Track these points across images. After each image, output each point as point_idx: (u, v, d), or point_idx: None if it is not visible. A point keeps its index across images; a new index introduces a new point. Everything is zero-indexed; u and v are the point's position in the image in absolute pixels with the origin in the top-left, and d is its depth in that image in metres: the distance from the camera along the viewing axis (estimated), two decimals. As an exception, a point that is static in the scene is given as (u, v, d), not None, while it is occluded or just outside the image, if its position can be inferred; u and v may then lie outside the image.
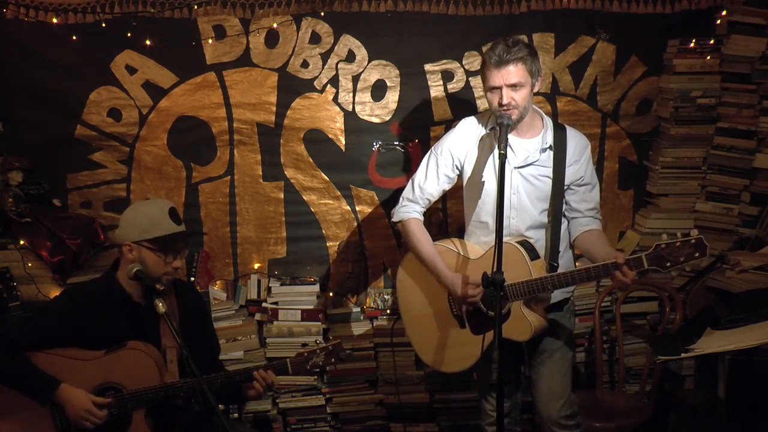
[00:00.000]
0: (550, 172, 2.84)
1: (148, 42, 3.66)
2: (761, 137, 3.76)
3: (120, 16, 3.62)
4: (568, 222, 2.93)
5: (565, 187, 2.86)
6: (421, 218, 3.01)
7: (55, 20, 3.62)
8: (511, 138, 2.84)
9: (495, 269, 2.48)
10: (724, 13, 3.71)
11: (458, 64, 3.80)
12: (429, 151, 3.05)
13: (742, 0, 3.70)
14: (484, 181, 2.89)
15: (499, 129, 2.69)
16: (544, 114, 2.93)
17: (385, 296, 3.91)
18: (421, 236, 2.96)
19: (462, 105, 3.83)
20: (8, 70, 3.67)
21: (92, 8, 3.62)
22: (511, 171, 2.84)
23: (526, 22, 3.74)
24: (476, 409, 3.79)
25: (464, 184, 2.99)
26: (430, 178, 2.98)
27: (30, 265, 3.65)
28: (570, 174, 2.85)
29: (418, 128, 3.86)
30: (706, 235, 3.77)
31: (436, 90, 3.82)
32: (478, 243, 2.96)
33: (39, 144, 3.74)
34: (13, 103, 3.71)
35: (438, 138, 3.83)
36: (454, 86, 3.83)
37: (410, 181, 3.04)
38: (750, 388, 3.17)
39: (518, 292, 2.73)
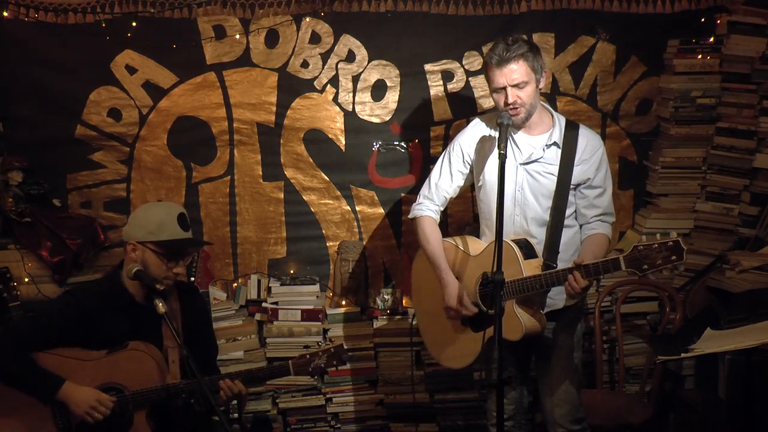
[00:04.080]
0: (555, 169, 2.83)
1: (148, 42, 3.66)
2: (761, 137, 3.76)
3: (120, 16, 3.62)
4: (580, 227, 2.93)
5: (573, 187, 2.84)
6: (435, 216, 3.04)
7: (55, 20, 3.62)
8: (518, 134, 2.86)
9: (494, 269, 2.48)
10: (724, 13, 3.71)
11: (458, 64, 3.80)
12: (444, 150, 3.07)
13: (742, 0, 3.70)
14: (489, 180, 2.90)
15: (499, 129, 2.69)
16: (554, 111, 2.92)
17: (385, 296, 3.91)
18: (429, 234, 2.99)
19: (462, 105, 3.83)
20: (8, 70, 3.67)
21: (92, 8, 3.62)
22: (517, 167, 2.85)
23: (526, 22, 3.74)
24: (476, 409, 3.81)
25: (475, 183, 3.00)
26: (444, 176, 3.01)
27: (30, 265, 3.65)
28: (577, 173, 2.83)
29: (418, 128, 3.86)
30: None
31: (436, 90, 3.82)
32: (487, 241, 2.97)
33: (39, 144, 3.74)
34: (13, 103, 3.71)
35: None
36: (454, 86, 3.83)
37: (427, 179, 3.07)
38: (750, 388, 3.17)
39: (510, 290, 2.71)
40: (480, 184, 2.96)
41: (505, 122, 2.68)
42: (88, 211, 3.82)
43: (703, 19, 3.77)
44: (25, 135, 3.73)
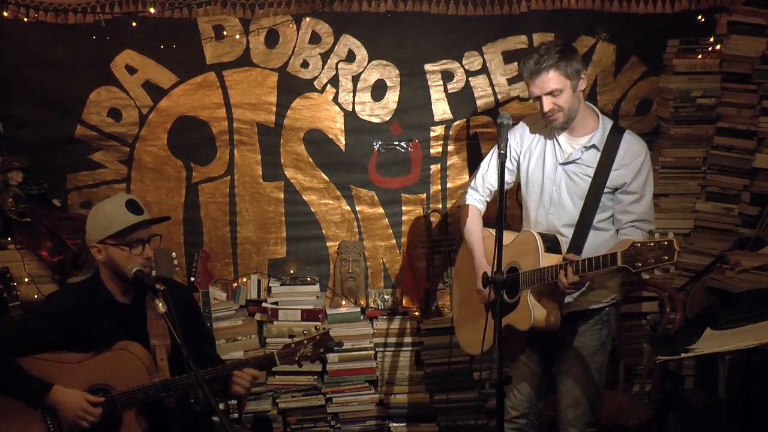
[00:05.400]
0: (592, 172, 2.86)
1: (148, 42, 3.66)
2: (761, 137, 3.76)
3: (120, 16, 3.62)
4: (617, 232, 2.94)
5: (610, 191, 2.86)
6: (480, 206, 3.16)
7: (55, 20, 3.62)
8: (560, 135, 2.93)
9: (494, 269, 2.51)
10: (724, 13, 3.71)
11: (458, 64, 3.80)
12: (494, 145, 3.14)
13: (742, 0, 3.70)
14: (531, 177, 2.99)
15: (499, 129, 2.70)
16: (602, 115, 2.94)
17: (385, 296, 3.91)
18: (470, 222, 3.12)
19: (462, 105, 3.84)
20: (8, 70, 3.67)
21: (92, 8, 3.62)
22: (556, 166, 2.91)
23: (526, 22, 3.74)
24: (476, 409, 3.81)
25: (520, 179, 3.06)
26: (492, 169, 3.11)
27: (30, 265, 3.65)
28: (614, 177, 2.84)
29: (418, 128, 3.86)
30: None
31: (436, 90, 3.82)
32: (522, 231, 3.04)
33: (39, 144, 3.74)
34: (13, 103, 3.71)
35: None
36: (454, 86, 3.83)
37: (477, 170, 3.17)
38: (750, 388, 3.17)
39: (526, 280, 2.80)
40: (524, 180, 3.03)
41: (505, 122, 2.69)
42: (88, 211, 3.79)
43: (703, 19, 3.77)
44: (25, 135, 3.73)
